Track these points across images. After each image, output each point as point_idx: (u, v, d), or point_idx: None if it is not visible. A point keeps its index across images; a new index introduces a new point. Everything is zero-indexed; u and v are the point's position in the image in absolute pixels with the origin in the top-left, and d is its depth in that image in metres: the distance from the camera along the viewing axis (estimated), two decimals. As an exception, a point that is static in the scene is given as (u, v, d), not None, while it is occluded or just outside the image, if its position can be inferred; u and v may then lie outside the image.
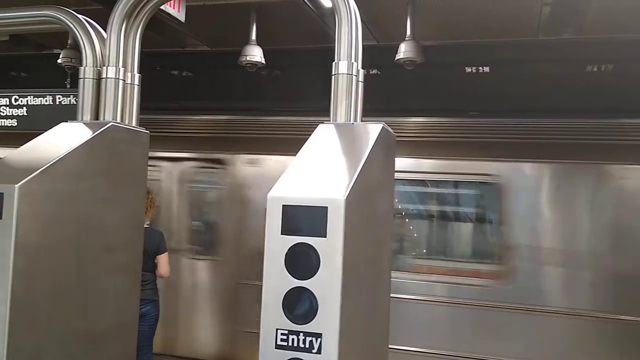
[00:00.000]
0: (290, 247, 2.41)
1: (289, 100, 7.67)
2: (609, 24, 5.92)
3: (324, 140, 2.91)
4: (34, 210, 2.96)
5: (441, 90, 7.17)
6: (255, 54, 6.26)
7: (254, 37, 6.26)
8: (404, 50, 5.83)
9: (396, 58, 5.89)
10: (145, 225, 4.66)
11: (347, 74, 3.05)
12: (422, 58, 5.88)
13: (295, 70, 7.65)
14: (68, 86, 7.08)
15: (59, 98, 5.08)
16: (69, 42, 6.67)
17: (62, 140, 3.33)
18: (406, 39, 5.84)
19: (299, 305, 2.38)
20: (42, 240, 3.02)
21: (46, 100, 5.11)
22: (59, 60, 6.79)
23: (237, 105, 7.83)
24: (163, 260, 5.22)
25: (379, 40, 6.81)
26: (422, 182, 6.60)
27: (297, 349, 2.37)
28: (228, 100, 8.06)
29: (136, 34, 3.74)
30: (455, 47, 7.07)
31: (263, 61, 6.34)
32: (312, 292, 2.37)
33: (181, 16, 5.36)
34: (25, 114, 5.15)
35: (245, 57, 6.25)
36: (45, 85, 5.25)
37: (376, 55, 6.50)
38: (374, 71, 7.17)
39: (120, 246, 3.61)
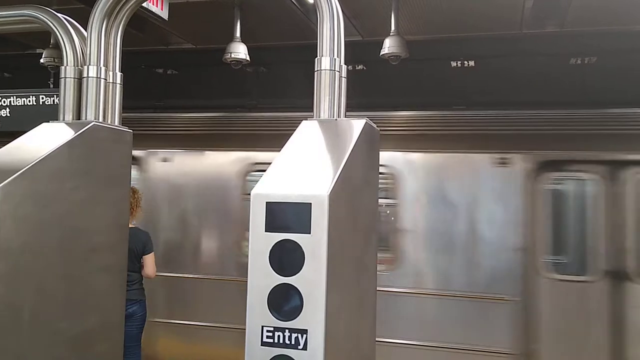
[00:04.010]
0: (275, 244, 2.40)
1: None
2: (591, 17, 5.96)
3: (307, 136, 2.90)
4: (15, 211, 2.93)
5: (426, 85, 7.18)
6: (239, 51, 6.23)
7: (238, 34, 6.24)
8: (388, 46, 5.84)
9: (381, 53, 5.89)
10: (131, 225, 4.65)
11: (330, 69, 3.04)
12: (406, 53, 5.89)
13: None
14: (51, 86, 7.01)
15: (42, 98, 5.02)
16: (51, 41, 6.60)
17: (44, 140, 3.29)
18: (391, 34, 5.84)
19: (284, 302, 2.38)
20: (25, 241, 2.99)
21: (29, 101, 5.05)
22: (42, 60, 6.71)
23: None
24: (149, 261, 5.19)
25: (364, 35, 6.81)
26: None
27: (283, 345, 2.37)
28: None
29: (117, 33, 3.71)
30: (440, 41, 7.08)
31: (247, 58, 6.32)
32: (297, 289, 2.37)
33: (164, 14, 5.32)
34: (9, 114, 5.09)
35: (229, 54, 6.23)
36: (29, 86, 5.19)
37: (361, 50, 6.53)
38: (360, 67, 7.16)
39: (104, 246, 3.58)
